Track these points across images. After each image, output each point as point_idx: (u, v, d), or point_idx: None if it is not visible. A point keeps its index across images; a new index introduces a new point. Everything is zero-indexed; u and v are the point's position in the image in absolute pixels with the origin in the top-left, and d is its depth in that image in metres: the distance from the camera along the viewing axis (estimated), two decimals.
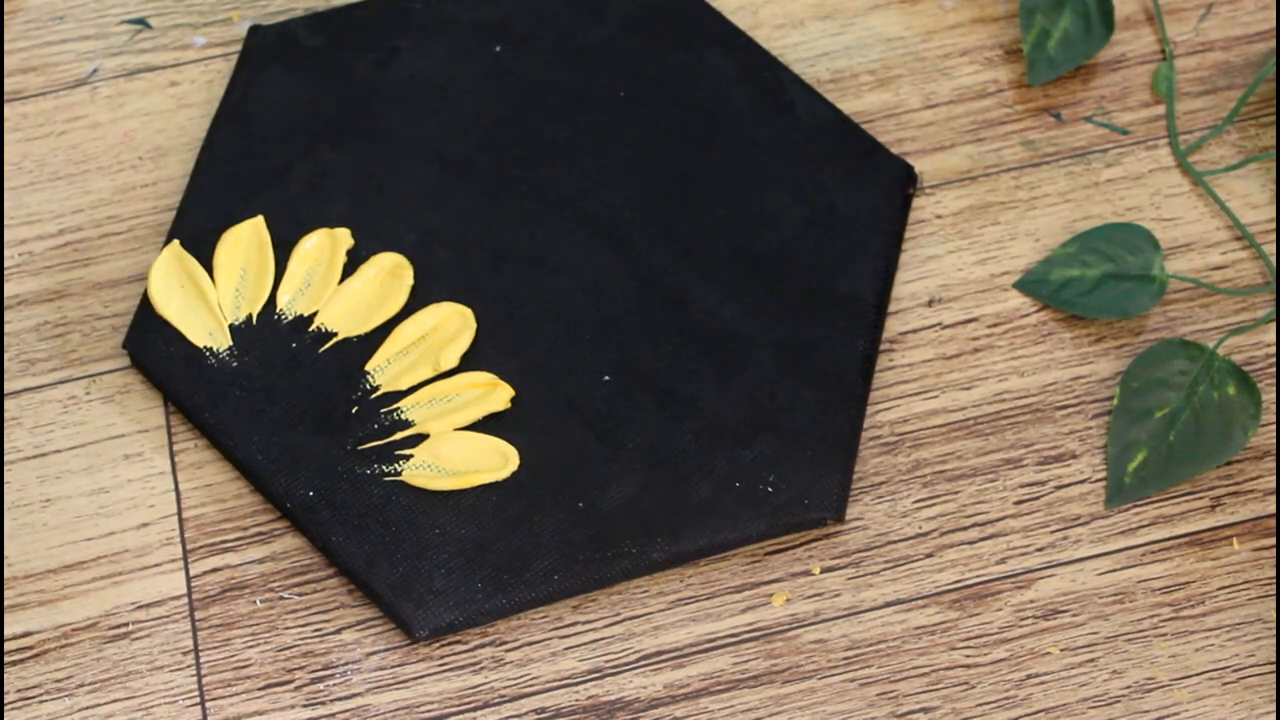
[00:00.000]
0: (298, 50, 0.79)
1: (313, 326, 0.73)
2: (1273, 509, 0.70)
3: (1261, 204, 0.77)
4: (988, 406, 0.72)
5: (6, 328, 0.74)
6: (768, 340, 0.72)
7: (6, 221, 0.77)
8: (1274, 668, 0.67)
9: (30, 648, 0.68)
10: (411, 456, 0.70)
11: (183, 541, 0.69)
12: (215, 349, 0.72)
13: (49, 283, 0.75)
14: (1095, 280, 0.74)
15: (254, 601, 0.68)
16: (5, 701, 0.66)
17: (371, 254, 0.74)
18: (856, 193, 0.76)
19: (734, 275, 0.74)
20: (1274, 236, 0.76)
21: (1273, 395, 0.72)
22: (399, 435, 0.70)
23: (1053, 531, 0.69)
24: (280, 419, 0.70)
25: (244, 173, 0.76)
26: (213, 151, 0.77)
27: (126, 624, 0.68)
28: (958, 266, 0.75)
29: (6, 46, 0.81)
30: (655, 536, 0.68)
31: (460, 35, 0.79)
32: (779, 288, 0.73)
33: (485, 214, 0.75)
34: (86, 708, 0.66)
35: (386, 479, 0.69)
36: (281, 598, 0.68)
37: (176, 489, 0.71)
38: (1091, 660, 0.67)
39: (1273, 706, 0.66)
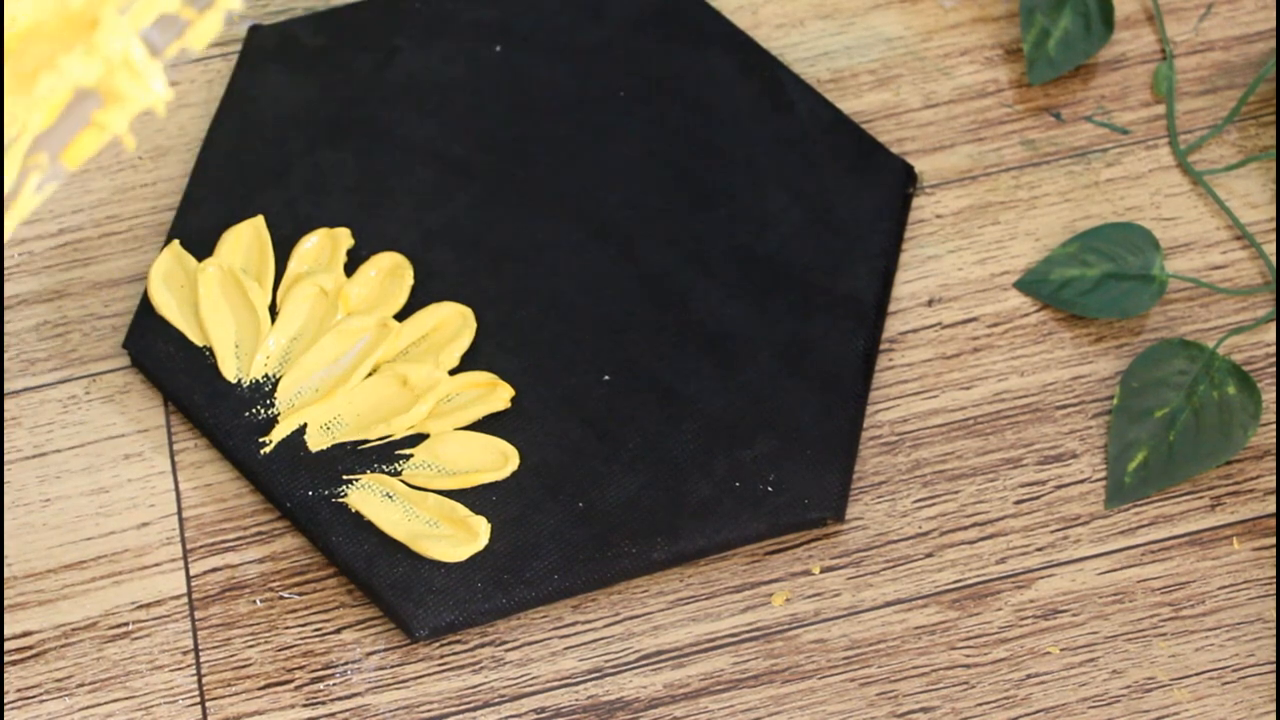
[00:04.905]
0: (298, 50, 0.79)
1: None
2: (1273, 509, 0.70)
3: (1261, 204, 0.77)
4: (988, 406, 0.72)
5: (6, 328, 0.74)
6: (767, 340, 0.72)
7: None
8: (1274, 668, 0.67)
9: (30, 648, 0.68)
10: (411, 456, 0.70)
11: (183, 541, 0.69)
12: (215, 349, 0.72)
13: (49, 283, 0.75)
14: (1095, 280, 0.74)
15: (254, 601, 0.68)
16: (5, 701, 0.66)
17: (371, 254, 0.74)
18: (856, 193, 0.76)
19: (734, 275, 0.74)
20: (1274, 236, 0.76)
21: (1273, 395, 0.72)
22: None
23: (1053, 531, 0.70)
24: None
25: (244, 173, 0.76)
26: (212, 151, 0.77)
27: (126, 624, 0.68)
28: (958, 266, 0.75)
29: None
30: (655, 536, 0.68)
31: (460, 35, 0.79)
32: (779, 288, 0.73)
33: (485, 214, 0.75)
34: (86, 707, 0.66)
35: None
36: (281, 597, 0.68)
37: (176, 489, 0.71)
38: (1091, 660, 0.67)
39: (1273, 706, 0.66)
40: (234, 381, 0.71)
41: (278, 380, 0.71)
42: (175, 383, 0.71)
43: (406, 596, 0.67)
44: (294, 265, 0.74)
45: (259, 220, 0.75)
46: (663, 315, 0.73)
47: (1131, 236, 0.74)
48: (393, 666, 0.67)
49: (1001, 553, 0.69)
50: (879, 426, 0.72)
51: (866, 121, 0.79)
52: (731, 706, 0.66)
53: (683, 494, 0.69)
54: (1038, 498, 0.70)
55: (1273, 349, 0.73)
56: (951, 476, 0.71)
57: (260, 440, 0.70)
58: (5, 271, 0.75)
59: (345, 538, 0.68)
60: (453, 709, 0.67)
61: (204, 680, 0.67)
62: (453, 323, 0.73)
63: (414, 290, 0.73)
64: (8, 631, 0.68)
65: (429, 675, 0.67)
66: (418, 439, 0.70)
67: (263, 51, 0.79)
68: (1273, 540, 0.69)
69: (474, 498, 0.69)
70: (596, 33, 0.79)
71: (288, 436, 0.70)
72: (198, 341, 0.72)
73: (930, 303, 0.75)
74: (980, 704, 0.66)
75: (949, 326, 0.74)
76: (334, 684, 0.67)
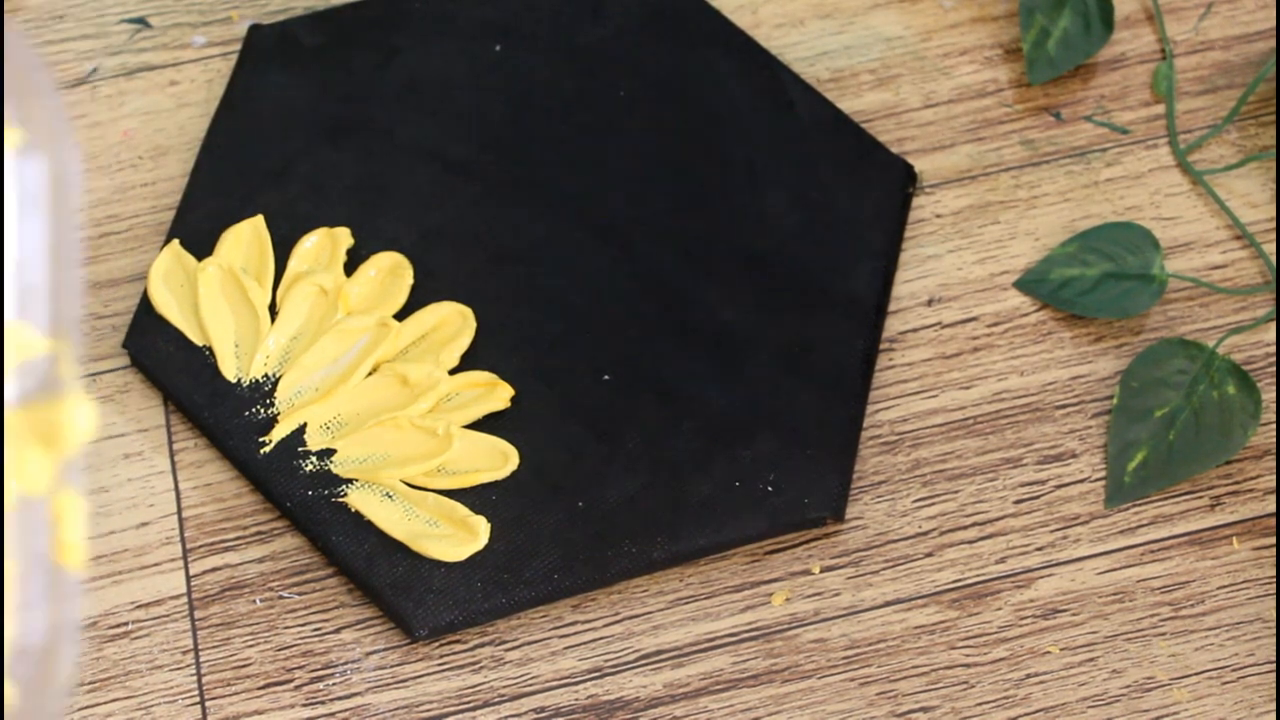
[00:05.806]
0: (297, 50, 0.79)
1: None
2: (1273, 508, 0.70)
3: (1261, 204, 0.77)
4: (987, 406, 0.72)
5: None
6: (768, 340, 0.72)
7: None
8: (1274, 667, 0.67)
9: None
10: None
11: (182, 541, 0.69)
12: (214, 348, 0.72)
13: None
14: (1095, 280, 0.74)
15: (254, 601, 0.68)
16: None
17: (371, 254, 0.74)
18: (856, 193, 0.76)
19: (734, 275, 0.74)
20: (1274, 236, 0.76)
21: (1273, 395, 0.72)
22: None
23: (1052, 531, 0.69)
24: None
25: (244, 173, 0.76)
26: (212, 151, 0.77)
27: (126, 623, 0.68)
28: (958, 266, 0.75)
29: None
30: (655, 536, 0.68)
31: (460, 35, 0.79)
32: (779, 288, 0.73)
33: (485, 214, 0.75)
34: (86, 707, 0.66)
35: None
36: (281, 597, 0.68)
37: (176, 489, 0.71)
38: (1091, 660, 0.67)
39: (1273, 706, 0.66)
40: (234, 381, 0.71)
41: (277, 380, 0.71)
42: (175, 382, 0.71)
43: (406, 596, 0.67)
44: (294, 265, 0.74)
45: (259, 220, 0.75)
46: (663, 315, 0.73)
47: (1131, 236, 0.74)
48: (393, 666, 0.67)
49: (1001, 552, 0.69)
50: (879, 426, 0.72)
51: (866, 121, 0.79)
52: (731, 706, 0.66)
53: (683, 494, 0.69)
54: (1037, 497, 0.70)
55: (1273, 349, 0.73)
56: (951, 476, 0.71)
57: (260, 440, 0.70)
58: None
59: (345, 537, 0.68)
60: (453, 709, 0.66)
61: (204, 680, 0.67)
62: (453, 323, 0.73)
63: (414, 290, 0.73)
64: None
65: (429, 675, 0.67)
66: None
67: (263, 51, 0.79)
68: (1273, 540, 0.69)
69: (474, 497, 0.69)
70: (596, 33, 0.79)
71: (288, 436, 0.70)
72: (198, 341, 0.72)
73: (930, 302, 0.75)
74: (980, 704, 0.66)
75: (949, 326, 0.74)
76: (334, 684, 0.67)
